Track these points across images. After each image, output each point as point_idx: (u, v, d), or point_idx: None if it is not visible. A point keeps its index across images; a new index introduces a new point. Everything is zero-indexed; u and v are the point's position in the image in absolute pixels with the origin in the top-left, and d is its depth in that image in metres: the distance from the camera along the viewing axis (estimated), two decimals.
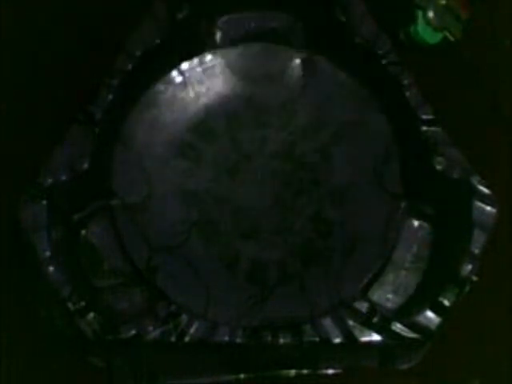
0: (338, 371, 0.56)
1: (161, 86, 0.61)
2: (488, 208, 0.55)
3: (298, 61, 0.62)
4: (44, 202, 0.54)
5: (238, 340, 0.52)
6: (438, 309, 0.52)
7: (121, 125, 0.59)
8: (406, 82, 0.58)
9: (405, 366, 0.57)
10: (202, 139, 0.60)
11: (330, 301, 0.55)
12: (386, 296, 0.56)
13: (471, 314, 0.58)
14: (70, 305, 0.52)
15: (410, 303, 0.55)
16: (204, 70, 0.62)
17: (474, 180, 0.55)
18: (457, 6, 0.65)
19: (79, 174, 0.55)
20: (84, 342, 0.53)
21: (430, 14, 0.64)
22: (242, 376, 0.56)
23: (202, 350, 0.53)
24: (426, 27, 0.65)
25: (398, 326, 0.52)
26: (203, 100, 0.61)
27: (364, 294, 0.55)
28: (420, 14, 0.65)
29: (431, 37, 0.65)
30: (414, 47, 0.66)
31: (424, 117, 0.57)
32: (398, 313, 0.54)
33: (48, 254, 0.53)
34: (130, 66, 0.58)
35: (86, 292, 0.53)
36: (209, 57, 0.62)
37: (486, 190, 0.55)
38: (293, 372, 0.56)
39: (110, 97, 0.57)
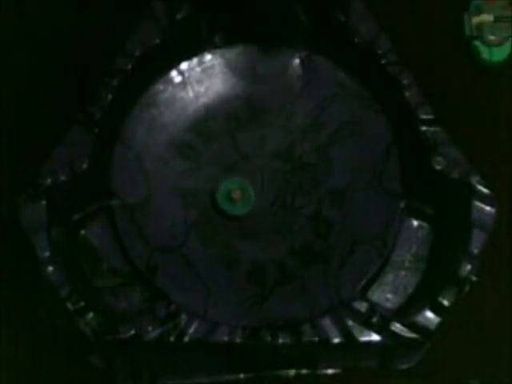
0: (338, 371, 0.56)
1: (160, 86, 0.61)
2: (487, 208, 0.55)
3: (297, 61, 0.62)
4: (44, 202, 0.54)
5: (238, 340, 0.52)
6: (437, 309, 0.52)
7: (120, 125, 0.59)
8: (405, 81, 0.58)
9: (404, 366, 0.57)
10: (202, 139, 0.60)
11: (329, 301, 0.55)
12: (386, 296, 0.56)
13: (471, 313, 0.58)
14: (69, 305, 0.52)
15: (410, 303, 0.55)
16: (203, 70, 0.62)
17: (474, 180, 0.55)
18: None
19: (79, 174, 0.55)
20: (83, 341, 0.53)
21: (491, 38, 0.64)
22: (241, 376, 0.56)
23: (201, 350, 0.53)
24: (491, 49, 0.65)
25: (397, 326, 0.52)
26: (202, 100, 0.61)
27: (363, 294, 0.55)
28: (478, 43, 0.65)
29: (499, 53, 0.65)
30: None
31: (424, 117, 0.57)
32: (398, 313, 0.54)
33: (47, 253, 0.53)
34: (129, 66, 0.58)
35: (86, 292, 0.53)
36: (208, 56, 0.62)
37: (485, 190, 0.55)
38: (292, 372, 0.56)
39: (110, 97, 0.57)
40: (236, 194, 0.58)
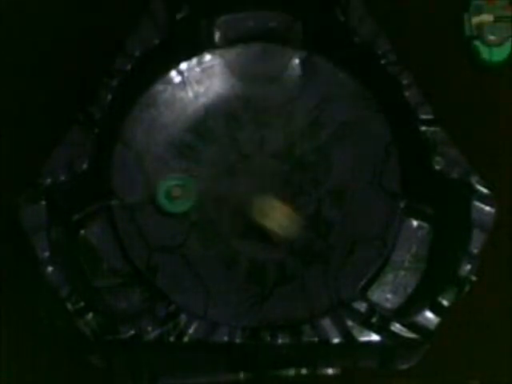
0: (337, 371, 0.56)
1: (160, 86, 0.61)
2: (487, 208, 0.55)
3: (297, 61, 0.62)
4: (43, 203, 0.54)
5: (237, 340, 0.52)
6: (437, 309, 0.52)
7: (120, 125, 0.59)
8: (405, 81, 0.58)
9: (404, 366, 0.57)
10: (201, 139, 0.60)
11: (329, 301, 0.55)
12: (385, 296, 0.56)
13: (471, 313, 0.58)
14: (69, 305, 0.52)
15: (409, 303, 0.55)
16: (203, 70, 0.62)
17: (474, 180, 0.55)
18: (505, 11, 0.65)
19: (79, 174, 0.55)
20: (83, 341, 0.53)
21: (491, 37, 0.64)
22: (241, 376, 0.56)
23: (201, 350, 0.53)
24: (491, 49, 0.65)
25: (397, 326, 0.52)
26: (202, 100, 0.61)
27: (363, 294, 0.55)
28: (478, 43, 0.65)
29: (499, 53, 0.65)
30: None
31: (423, 117, 0.57)
32: (397, 313, 0.54)
33: (47, 254, 0.53)
34: (129, 67, 0.58)
35: (85, 292, 0.53)
36: (208, 57, 0.62)
37: (485, 190, 0.55)
38: (292, 372, 0.56)
39: (110, 97, 0.57)
40: (176, 192, 0.58)
